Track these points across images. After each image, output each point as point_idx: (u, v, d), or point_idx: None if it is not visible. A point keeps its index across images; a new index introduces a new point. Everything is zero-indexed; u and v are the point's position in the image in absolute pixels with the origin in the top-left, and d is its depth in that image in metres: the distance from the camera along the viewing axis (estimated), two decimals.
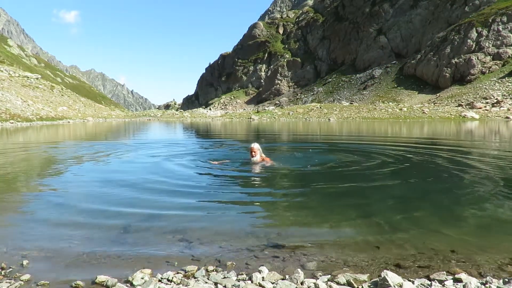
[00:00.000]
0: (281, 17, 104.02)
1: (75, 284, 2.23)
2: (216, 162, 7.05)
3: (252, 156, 6.70)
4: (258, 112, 57.83)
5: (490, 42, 53.21)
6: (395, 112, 45.11)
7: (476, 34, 54.42)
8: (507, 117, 35.83)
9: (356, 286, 2.22)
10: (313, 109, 53.02)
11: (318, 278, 2.32)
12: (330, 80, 75.76)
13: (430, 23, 66.35)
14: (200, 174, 6.21)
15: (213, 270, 2.44)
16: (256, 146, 6.80)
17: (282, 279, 2.30)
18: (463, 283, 2.19)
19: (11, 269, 2.43)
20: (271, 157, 7.13)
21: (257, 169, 6.47)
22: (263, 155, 6.91)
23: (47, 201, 4.36)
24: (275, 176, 6.00)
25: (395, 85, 62.39)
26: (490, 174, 6.13)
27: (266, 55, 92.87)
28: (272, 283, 2.25)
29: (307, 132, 21.99)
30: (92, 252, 2.72)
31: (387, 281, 2.15)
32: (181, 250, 2.77)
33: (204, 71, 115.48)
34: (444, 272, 2.35)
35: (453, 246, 2.80)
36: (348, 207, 4.04)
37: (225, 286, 2.22)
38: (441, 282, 2.23)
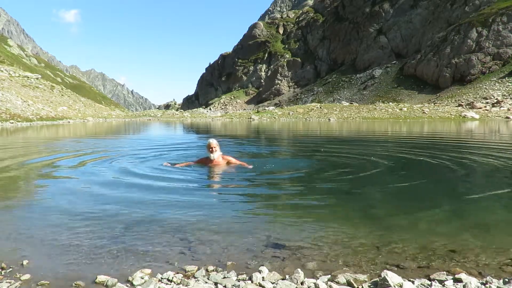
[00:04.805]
0: (281, 17, 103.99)
1: (75, 284, 2.23)
2: (168, 164, 6.69)
3: (212, 152, 6.30)
4: (258, 112, 57.82)
5: (490, 42, 53.22)
6: (395, 112, 45.11)
7: (476, 34, 54.42)
8: (507, 117, 35.84)
9: (356, 286, 2.22)
10: (313, 109, 53.02)
11: (318, 278, 2.32)
12: (330, 80, 75.75)
13: (430, 23, 66.34)
14: (197, 173, 6.20)
15: (213, 270, 2.44)
16: (215, 141, 6.38)
17: (282, 279, 2.30)
18: (463, 283, 2.19)
19: (11, 269, 2.43)
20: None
21: (219, 169, 6.19)
22: (220, 153, 6.50)
23: (47, 201, 4.36)
24: (274, 176, 6.00)
25: (395, 85, 62.39)
26: (491, 173, 6.13)
27: (266, 55, 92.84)
28: (272, 283, 2.25)
29: (307, 131, 22.00)
30: (92, 252, 2.72)
31: (387, 281, 2.15)
32: (181, 250, 2.77)
33: (204, 71, 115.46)
34: (444, 272, 2.35)
35: (453, 246, 2.80)
36: (348, 207, 4.04)
37: (225, 286, 2.22)
38: (441, 282, 2.23)
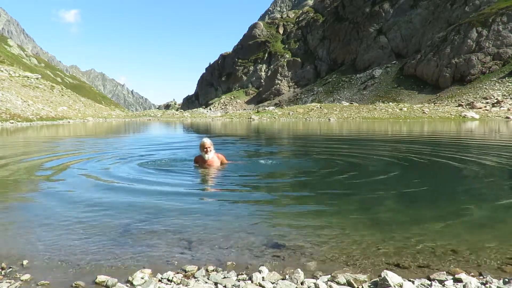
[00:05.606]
0: (281, 17, 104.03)
1: (75, 284, 2.23)
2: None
3: (206, 153, 6.16)
4: (258, 112, 57.80)
5: (490, 42, 53.23)
6: (395, 112, 45.11)
7: (476, 34, 54.43)
8: (507, 117, 35.85)
9: (356, 286, 2.22)
10: (313, 109, 53.00)
11: (318, 278, 2.32)
12: (330, 80, 75.76)
13: (430, 23, 66.33)
14: (194, 174, 6.20)
15: (213, 270, 2.44)
16: (209, 141, 6.22)
17: (282, 279, 2.30)
18: (463, 283, 2.19)
19: (11, 269, 2.43)
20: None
21: (215, 169, 6.15)
22: (214, 151, 6.36)
23: (48, 201, 4.36)
24: (273, 176, 6.00)
25: (395, 85, 62.39)
26: (491, 173, 6.13)
27: (266, 55, 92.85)
28: (272, 283, 2.25)
29: (308, 132, 21.99)
30: (92, 252, 2.72)
31: (387, 281, 2.15)
32: (181, 250, 2.77)
33: (204, 71, 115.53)
34: (444, 272, 2.35)
35: (453, 246, 2.80)
36: (348, 207, 4.03)
37: (225, 286, 2.22)
38: (441, 282, 2.23)
